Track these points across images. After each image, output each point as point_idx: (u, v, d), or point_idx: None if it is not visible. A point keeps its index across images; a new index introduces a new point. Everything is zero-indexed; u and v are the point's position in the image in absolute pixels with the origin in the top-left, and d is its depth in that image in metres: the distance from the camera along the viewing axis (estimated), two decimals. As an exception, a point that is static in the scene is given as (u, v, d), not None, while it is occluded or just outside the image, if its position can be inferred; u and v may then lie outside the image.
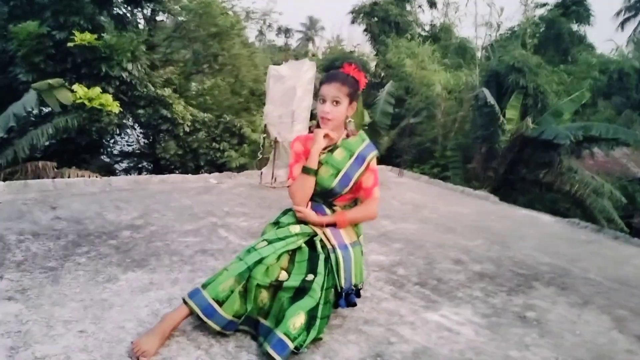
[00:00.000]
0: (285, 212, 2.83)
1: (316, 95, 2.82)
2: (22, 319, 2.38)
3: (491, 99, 11.90)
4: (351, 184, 2.68)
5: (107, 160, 13.95)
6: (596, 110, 17.47)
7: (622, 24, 32.21)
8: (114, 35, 10.29)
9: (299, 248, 2.58)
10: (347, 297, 2.65)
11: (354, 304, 2.70)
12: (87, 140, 10.80)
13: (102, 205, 4.47)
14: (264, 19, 17.74)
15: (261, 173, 6.18)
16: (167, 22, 16.13)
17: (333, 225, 2.67)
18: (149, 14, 14.56)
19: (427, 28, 21.31)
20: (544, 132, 11.44)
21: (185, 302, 2.34)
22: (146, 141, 14.36)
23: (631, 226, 12.60)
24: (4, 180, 5.18)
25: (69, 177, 8.08)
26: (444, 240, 4.65)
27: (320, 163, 2.70)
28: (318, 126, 2.74)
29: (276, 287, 2.41)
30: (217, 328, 2.33)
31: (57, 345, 2.19)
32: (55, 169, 8.85)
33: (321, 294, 2.40)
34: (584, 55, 17.35)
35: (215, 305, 2.30)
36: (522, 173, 12.64)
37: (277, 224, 2.75)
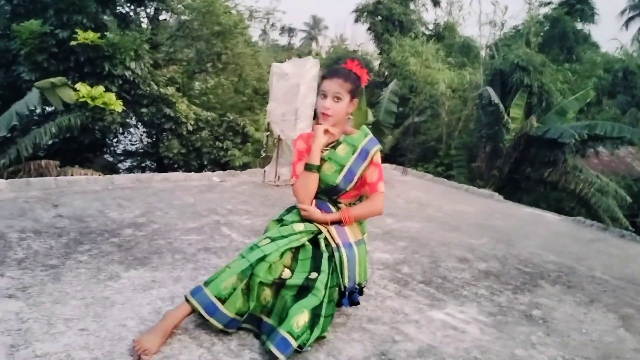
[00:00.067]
0: (289, 210, 2.79)
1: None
2: (22, 316, 2.36)
3: (495, 98, 11.87)
4: (355, 179, 2.65)
5: (111, 159, 13.96)
6: (601, 109, 17.40)
7: (627, 23, 32.06)
8: (117, 34, 10.29)
9: (303, 246, 2.54)
10: (350, 295, 2.62)
11: (357, 303, 2.68)
12: (90, 139, 10.80)
13: (104, 203, 4.45)
14: (267, 18, 17.70)
15: (264, 171, 6.15)
16: (171, 21, 16.12)
17: (338, 222, 2.64)
18: (152, 12, 14.55)
19: (430, 27, 21.26)
20: (549, 131, 11.41)
21: (187, 300, 2.31)
22: (149, 140, 14.35)
23: (636, 225, 12.54)
24: (7, 179, 5.16)
25: (71, 175, 8.07)
26: (449, 239, 4.61)
27: (323, 160, 2.67)
28: (318, 122, 2.71)
29: (279, 285, 2.37)
30: (220, 326, 2.30)
31: (58, 344, 2.17)
32: (58, 168, 8.85)
33: (325, 292, 2.36)
34: (589, 54, 17.28)
35: (218, 303, 2.27)
36: (526, 172, 12.59)
37: (280, 221, 2.72)
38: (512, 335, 2.77)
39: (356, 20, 21.47)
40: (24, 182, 4.66)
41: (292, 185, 2.76)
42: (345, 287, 2.54)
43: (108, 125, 10.03)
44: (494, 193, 7.16)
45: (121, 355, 2.12)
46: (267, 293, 2.36)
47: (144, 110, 11.57)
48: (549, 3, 18.73)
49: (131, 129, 14.03)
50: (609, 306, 3.41)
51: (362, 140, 2.70)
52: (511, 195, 9.14)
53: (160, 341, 2.19)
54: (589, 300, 3.46)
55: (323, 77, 2.70)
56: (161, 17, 15.30)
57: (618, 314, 3.30)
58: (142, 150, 14.79)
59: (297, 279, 2.38)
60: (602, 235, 5.47)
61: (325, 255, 2.50)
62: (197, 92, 14.71)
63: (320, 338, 2.36)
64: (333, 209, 2.69)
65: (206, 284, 2.32)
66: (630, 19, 31.93)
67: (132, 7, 13.20)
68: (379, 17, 20.18)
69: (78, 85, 8.92)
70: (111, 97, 9.24)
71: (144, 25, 14.12)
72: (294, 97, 5.60)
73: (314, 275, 2.41)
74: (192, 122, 12.25)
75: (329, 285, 2.42)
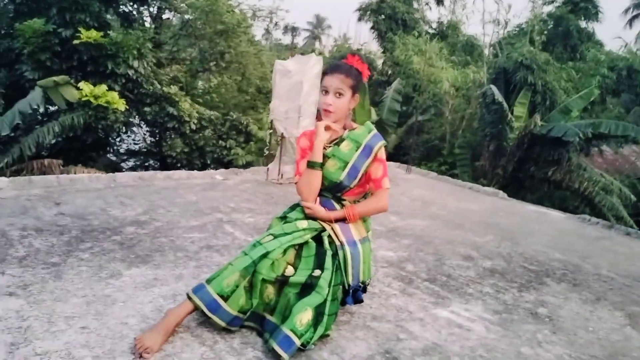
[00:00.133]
0: (293, 207, 2.76)
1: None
2: (23, 314, 2.34)
3: (499, 96, 11.83)
4: (359, 175, 2.61)
5: (114, 158, 13.95)
6: (605, 107, 17.34)
7: (631, 21, 31.96)
8: (120, 33, 10.27)
9: (306, 243, 2.52)
10: (354, 294, 2.59)
11: (361, 301, 2.65)
12: (93, 138, 10.79)
13: (106, 201, 4.43)
14: (270, 17, 17.68)
15: (267, 169, 6.13)
16: (174, 20, 16.10)
17: (343, 219, 2.61)
18: (155, 11, 14.54)
19: (434, 25, 21.21)
20: (553, 130, 11.37)
21: (189, 298, 2.29)
22: (153, 139, 14.34)
23: (640, 224, 12.48)
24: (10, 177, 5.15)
25: (74, 174, 8.07)
26: (453, 237, 4.58)
27: (327, 157, 2.64)
28: (320, 118, 2.68)
29: (282, 283, 2.34)
30: (222, 324, 2.27)
31: (59, 342, 2.14)
32: (61, 167, 8.85)
33: (329, 290, 2.33)
34: (593, 52, 17.21)
35: (220, 301, 2.25)
36: (530, 171, 12.55)
37: (284, 218, 2.69)
38: (518, 333, 2.73)
39: (359, 19, 21.44)
40: (26, 180, 4.64)
41: (295, 183, 2.73)
42: (349, 285, 2.51)
43: (111, 124, 10.02)
44: (498, 191, 7.11)
45: (122, 354, 2.10)
46: (270, 291, 2.33)
47: (147, 109, 11.55)
48: (552, 1, 18.69)
49: (134, 128, 14.01)
50: (615, 304, 3.38)
51: (366, 136, 2.67)
52: (515, 194, 9.10)
53: (162, 339, 2.17)
54: (595, 298, 3.43)
55: (324, 73, 2.66)
56: (164, 16, 15.29)
57: (624, 312, 3.26)
58: (145, 150, 14.78)
59: (300, 277, 2.35)
60: (607, 233, 5.42)
61: (329, 252, 2.47)
62: (201, 91, 14.71)
63: (324, 336, 2.34)
64: (337, 206, 2.66)
65: (208, 281, 2.30)
66: (635, 17, 31.83)
67: (135, 6, 13.18)
68: (382, 16, 20.13)
69: (81, 84, 8.92)
70: (114, 95, 9.24)
71: (147, 24, 14.12)
72: (297, 94, 5.58)
73: (317, 272, 2.38)
74: (196, 121, 12.23)
75: (332, 283, 2.39)
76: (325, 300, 2.30)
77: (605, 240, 5.16)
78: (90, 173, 7.94)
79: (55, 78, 8.56)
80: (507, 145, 12.39)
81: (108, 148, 13.48)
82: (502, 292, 3.32)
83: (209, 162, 12.57)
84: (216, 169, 6.41)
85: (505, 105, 11.92)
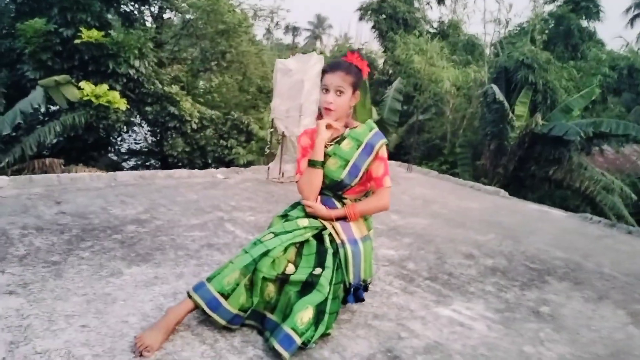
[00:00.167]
0: (294, 206, 2.75)
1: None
2: (23, 313, 2.33)
3: (500, 95, 11.81)
4: (360, 174, 2.60)
5: (115, 158, 13.95)
6: (606, 107, 17.32)
7: (632, 21, 31.91)
8: (121, 32, 10.27)
9: (307, 241, 2.51)
10: (355, 292, 2.58)
11: (362, 300, 2.64)
12: (94, 137, 10.79)
13: (107, 200, 4.42)
14: (271, 17, 17.68)
15: (268, 168, 6.12)
16: (175, 20, 16.10)
17: (344, 218, 2.60)
18: (156, 11, 14.54)
19: (435, 25, 21.19)
20: (554, 129, 11.35)
21: (189, 296, 2.28)
22: (154, 139, 14.34)
23: (642, 223, 12.46)
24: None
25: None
26: (455, 235, 4.57)
27: (327, 155, 2.63)
28: (321, 117, 2.67)
29: (283, 281, 2.33)
30: (222, 322, 2.26)
31: (59, 340, 2.14)
32: (63, 167, 8.85)
33: (330, 288, 2.32)
34: (594, 52, 17.18)
35: (220, 299, 2.24)
36: (531, 170, 12.53)
37: (285, 216, 2.68)
38: (520, 331, 2.72)
39: (360, 19, 21.41)
40: (27, 179, 4.64)
41: (296, 181, 2.73)
42: (350, 283, 2.50)
43: (112, 124, 10.01)
44: (499, 189, 7.10)
45: (122, 352, 2.09)
46: (271, 289, 2.32)
47: (148, 108, 11.55)
48: (553, 0, 18.65)
49: (136, 128, 14.02)
50: (618, 303, 3.36)
51: (367, 134, 2.66)
52: (516, 193, 9.08)
53: (162, 338, 2.16)
54: (597, 296, 3.41)
55: (324, 72, 2.65)
56: (165, 16, 15.28)
57: (627, 310, 3.24)
58: (146, 149, 14.78)
59: (301, 275, 2.34)
60: (609, 232, 5.40)
61: (330, 251, 2.46)
62: (202, 90, 14.70)
63: (325, 335, 2.33)
64: (338, 204, 2.65)
65: (209, 279, 2.29)
66: (636, 16, 31.78)
67: (137, 5, 13.18)
68: (383, 16, 20.11)
69: (82, 84, 8.91)
70: (115, 95, 9.23)
71: (148, 24, 14.11)
72: (298, 93, 5.57)
73: (318, 271, 2.37)
74: (197, 121, 12.23)
75: (333, 282, 2.38)
76: (326, 298, 2.29)
77: (607, 238, 5.15)
78: (91, 172, 7.95)
79: (56, 77, 8.56)
80: (508, 145, 12.37)
81: (109, 148, 13.48)
82: (504, 291, 3.31)
83: (210, 161, 12.57)
84: (217, 169, 6.39)
85: (506, 104, 11.91)
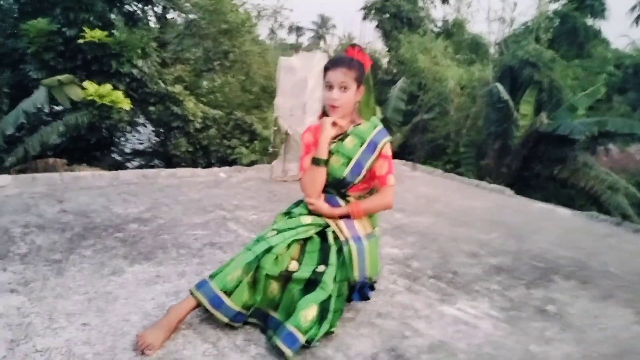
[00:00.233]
0: (297, 203, 2.74)
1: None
2: (24, 311, 2.32)
3: (505, 94, 11.75)
4: (363, 172, 2.58)
5: (119, 158, 13.94)
6: (611, 106, 17.23)
7: (637, 19, 31.71)
8: (124, 32, 10.25)
9: (310, 238, 2.49)
10: (360, 290, 2.56)
11: (368, 298, 2.61)
12: (97, 137, 10.78)
13: (109, 198, 4.41)
14: (274, 17, 17.66)
15: (271, 167, 6.09)
16: (178, 20, 16.10)
17: (347, 216, 2.57)
18: (159, 11, 14.53)
19: (439, 24, 21.15)
20: (559, 128, 11.29)
21: (192, 293, 2.26)
22: (157, 139, 14.33)
23: (647, 222, 12.38)
24: (13, 175, 5.13)
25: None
26: (459, 234, 4.53)
27: (330, 152, 2.60)
28: (324, 114, 2.64)
29: (286, 279, 2.31)
30: (225, 320, 2.24)
31: (59, 338, 2.12)
32: (66, 167, 8.84)
33: (333, 286, 2.30)
34: (599, 50, 17.11)
35: (223, 296, 2.21)
36: (536, 169, 12.47)
37: (288, 214, 2.67)
38: (526, 330, 2.68)
39: (364, 18, 21.40)
40: (29, 178, 4.63)
41: (299, 179, 2.70)
42: (355, 281, 2.48)
43: (115, 124, 9.99)
44: (505, 188, 7.04)
45: (123, 351, 2.07)
46: (274, 287, 2.30)
47: (151, 108, 11.54)
48: (558, -1, 18.59)
49: (139, 128, 14.02)
50: (625, 302, 3.31)
51: (371, 131, 2.63)
52: (521, 192, 8.99)
53: (164, 336, 2.14)
54: (604, 295, 3.37)
55: (326, 69, 2.62)
56: (169, 16, 15.28)
57: (634, 309, 3.20)
58: (150, 149, 14.77)
59: (304, 272, 2.32)
60: (615, 230, 5.35)
61: (334, 248, 2.44)
62: (205, 90, 14.68)
63: (329, 333, 2.30)
64: (342, 202, 2.62)
65: (212, 277, 2.27)
66: (641, 15, 31.58)
67: (140, 5, 13.16)
68: (387, 15, 20.09)
69: (85, 83, 8.89)
70: (119, 95, 9.20)
71: (151, 24, 14.10)
72: (301, 91, 5.54)
73: (321, 268, 2.35)
74: (200, 121, 12.21)
75: (337, 279, 2.36)
76: (330, 296, 2.27)
77: (613, 237, 5.09)
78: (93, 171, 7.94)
79: (59, 77, 8.54)
80: (513, 144, 12.32)
81: (113, 148, 13.47)
82: (510, 290, 3.27)
83: (213, 161, 12.55)
84: (220, 167, 6.38)
85: (510, 103, 11.85)
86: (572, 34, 17.38)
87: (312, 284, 2.29)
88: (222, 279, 2.24)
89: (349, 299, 2.54)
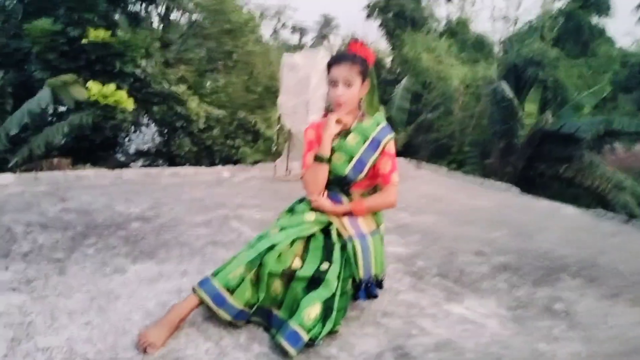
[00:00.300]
0: (301, 200, 2.71)
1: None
2: (25, 310, 2.30)
3: (509, 93, 11.69)
4: (366, 170, 2.55)
5: (123, 158, 13.94)
6: (616, 104, 17.13)
7: (643, 18, 31.58)
8: (127, 32, 10.24)
9: (314, 236, 2.45)
10: (366, 288, 2.52)
11: (375, 296, 2.57)
12: (102, 138, 10.76)
13: (112, 197, 4.39)
14: (278, 17, 17.64)
15: (275, 165, 6.06)
16: (182, 20, 16.10)
17: (350, 214, 2.54)
18: (163, 12, 14.53)
19: (443, 23, 21.07)
20: (564, 126, 11.23)
21: (194, 291, 2.23)
22: (161, 139, 14.33)
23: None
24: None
25: (82, 172, 8.04)
26: (464, 232, 4.49)
27: (333, 149, 2.57)
28: (328, 113, 2.61)
29: (289, 277, 2.28)
30: (228, 318, 2.21)
31: (61, 337, 2.10)
32: (70, 167, 8.83)
33: (337, 284, 2.27)
34: (604, 48, 17.01)
35: (226, 294, 2.18)
36: (541, 168, 12.40)
37: (291, 211, 2.64)
38: (533, 329, 2.64)
39: (367, 17, 21.34)
40: (32, 177, 4.62)
41: (301, 176, 2.68)
42: (360, 279, 2.44)
43: (119, 124, 9.98)
44: (510, 186, 7.00)
45: (125, 349, 2.04)
46: (277, 285, 2.27)
47: (155, 108, 11.52)
48: (563, -3, 18.49)
49: (143, 128, 14.01)
50: (633, 300, 3.26)
51: (374, 128, 2.60)
52: (526, 192, 8.97)
53: (166, 334, 2.11)
54: (612, 294, 3.32)
55: (329, 66, 2.58)
56: (172, 16, 15.28)
57: (643, 308, 3.15)
58: (154, 150, 14.76)
59: (308, 270, 2.29)
60: (623, 228, 5.29)
61: (338, 245, 2.41)
62: (208, 90, 14.66)
63: (333, 332, 2.26)
64: (345, 199, 2.59)
65: (214, 274, 2.24)
66: (646, 13, 31.44)
67: (143, 5, 13.17)
68: (391, 14, 20.04)
69: (89, 84, 8.89)
70: (122, 95, 9.19)
71: (155, 24, 14.10)
72: (304, 88, 5.51)
73: (325, 266, 2.32)
74: (203, 121, 12.18)
75: (341, 277, 2.32)
76: (334, 294, 2.23)
77: (620, 235, 5.04)
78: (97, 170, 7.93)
79: (63, 77, 8.54)
80: (518, 143, 12.25)
81: (117, 148, 13.48)
82: (516, 288, 3.23)
83: (217, 161, 12.53)
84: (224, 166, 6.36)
85: (515, 102, 11.79)
86: (576, 32, 17.29)
87: (315, 282, 2.26)
88: (224, 277, 2.21)
89: (355, 297, 2.50)
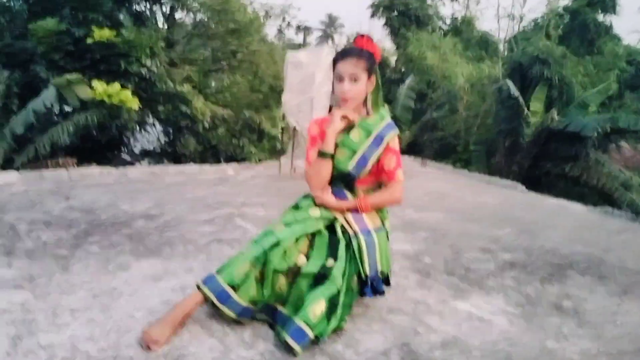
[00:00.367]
0: (306, 196, 2.68)
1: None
2: (28, 307, 2.28)
3: (515, 91, 11.61)
4: (369, 166, 2.51)
5: (128, 158, 13.94)
6: (622, 102, 17.02)
7: (649, 16, 31.42)
8: (132, 32, 10.23)
9: (319, 232, 2.42)
10: (372, 284, 2.49)
11: (381, 292, 2.53)
12: (107, 137, 10.76)
13: (116, 195, 4.38)
14: (283, 16, 17.59)
15: (280, 163, 6.04)
16: (186, 20, 16.09)
17: (355, 210, 2.51)
18: (167, 11, 14.52)
19: (448, 21, 20.98)
20: (570, 125, 11.13)
21: (198, 288, 2.20)
22: (167, 139, 14.33)
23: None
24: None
25: (87, 172, 8.04)
26: (470, 229, 4.45)
27: (336, 145, 2.54)
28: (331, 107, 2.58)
29: (294, 274, 2.25)
30: (232, 315, 2.18)
31: (63, 334, 2.08)
32: (76, 166, 8.82)
33: (342, 280, 2.24)
34: (610, 46, 16.89)
35: (230, 291, 2.15)
36: (547, 167, 12.31)
37: (296, 207, 2.61)
38: (542, 326, 2.60)
39: (372, 16, 21.26)
40: (36, 176, 4.62)
41: (305, 172, 2.65)
42: (366, 275, 2.41)
43: (125, 123, 9.97)
44: (516, 184, 6.95)
45: (128, 347, 2.02)
46: (282, 282, 2.24)
47: (160, 108, 11.50)
48: (568, -5, 18.38)
49: (148, 128, 14.01)
50: (642, 298, 3.23)
51: (378, 124, 2.56)
52: (532, 190, 8.93)
53: (169, 332, 2.08)
54: (621, 291, 3.28)
55: (335, 61, 2.55)
56: (177, 16, 15.26)
57: (653, 305, 3.11)
58: (159, 150, 14.76)
59: (313, 267, 2.26)
60: (631, 226, 5.25)
61: (343, 242, 2.38)
62: (214, 90, 14.65)
63: (338, 329, 2.23)
64: (350, 195, 2.56)
65: (218, 271, 2.21)
66: (653, 11, 31.27)
67: (148, 5, 13.16)
68: (395, 12, 19.96)
69: (94, 83, 8.88)
70: (127, 94, 9.17)
71: (159, 24, 14.09)
72: (309, 86, 5.49)
73: (330, 262, 2.29)
74: (208, 120, 12.16)
75: (346, 274, 2.29)
76: (339, 291, 2.21)
77: (627, 233, 5.00)
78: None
79: (68, 76, 8.54)
80: (523, 141, 12.17)
81: (122, 148, 13.48)
82: (524, 285, 3.19)
83: (222, 160, 12.51)
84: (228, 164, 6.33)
85: (521, 100, 11.71)
86: (582, 30, 17.18)
87: (320, 278, 2.23)
88: (229, 274, 2.18)
89: (361, 294, 2.47)
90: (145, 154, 14.64)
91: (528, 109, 12.09)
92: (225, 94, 14.13)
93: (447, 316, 2.61)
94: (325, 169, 2.52)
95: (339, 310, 2.19)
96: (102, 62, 10.06)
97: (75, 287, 2.50)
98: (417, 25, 18.56)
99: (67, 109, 9.84)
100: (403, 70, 18.34)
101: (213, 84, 14.80)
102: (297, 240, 2.30)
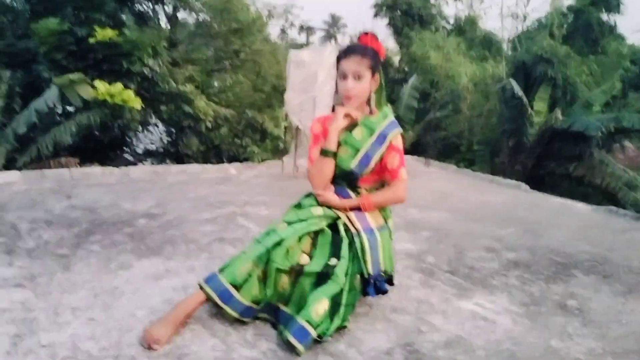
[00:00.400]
0: (308, 195, 2.66)
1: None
2: (29, 306, 2.27)
3: (519, 91, 11.58)
4: (372, 164, 2.49)
5: (131, 158, 13.95)
6: (626, 102, 16.96)
7: (653, 15, 31.32)
8: (134, 31, 10.23)
9: (322, 231, 2.40)
10: (375, 283, 2.47)
11: (384, 292, 2.51)
12: (109, 137, 10.77)
13: (118, 194, 4.36)
14: (285, 16, 17.57)
15: (282, 162, 6.02)
16: (189, 20, 16.09)
17: (358, 208, 2.49)
18: (170, 11, 14.53)
19: (451, 21, 20.93)
20: (574, 124, 11.10)
21: (200, 287, 2.18)
22: (169, 139, 14.33)
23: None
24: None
25: (90, 172, 8.03)
26: (474, 229, 4.43)
27: (339, 143, 2.52)
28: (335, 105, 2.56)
29: (297, 273, 2.23)
30: (234, 314, 2.16)
31: (64, 333, 2.06)
32: (78, 166, 8.83)
33: (345, 279, 2.22)
34: (615, 45, 16.83)
35: (232, 290, 2.14)
36: (551, 167, 12.28)
37: (298, 206, 2.59)
38: (547, 325, 2.58)
39: (375, 15, 21.23)
40: (38, 175, 4.61)
41: (307, 170, 2.63)
42: (369, 274, 2.39)
43: (127, 123, 9.97)
44: (520, 183, 6.93)
45: (129, 346, 2.00)
46: (285, 281, 2.22)
47: (163, 107, 11.50)
48: (572, -7, 18.33)
49: (151, 128, 14.02)
50: (648, 297, 3.20)
51: (381, 123, 2.54)
52: (535, 190, 8.91)
53: (171, 331, 2.07)
54: (626, 290, 3.25)
55: (339, 58, 2.53)
56: (179, 16, 15.26)
57: (658, 305, 3.08)
58: (162, 150, 14.76)
59: (316, 266, 2.24)
60: (635, 225, 5.21)
61: (346, 241, 2.36)
62: (216, 89, 14.64)
63: (341, 328, 2.22)
64: (352, 194, 2.54)
65: (221, 270, 2.20)
66: (657, 10, 31.19)
67: (151, 5, 13.17)
68: (398, 12, 19.93)
69: (96, 83, 8.88)
70: (129, 94, 9.17)
71: (162, 24, 14.09)
72: (311, 85, 5.46)
73: (333, 261, 2.27)
74: (211, 120, 12.16)
75: (349, 273, 2.27)
76: (342, 290, 2.19)
77: (633, 231, 4.97)
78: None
79: (70, 76, 8.54)
80: (527, 141, 12.13)
81: (125, 147, 13.48)
82: (528, 284, 3.17)
83: (225, 160, 12.50)
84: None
85: (524, 99, 11.68)
86: (586, 29, 17.11)
87: (323, 277, 2.21)
88: (231, 273, 2.16)
89: (364, 293, 2.45)
90: (148, 153, 14.64)
91: (532, 108, 12.06)
92: (228, 94, 14.12)
93: (450, 315, 2.59)
94: (328, 167, 2.50)
95: (342, 310, 2.17)
96: (104, 61, 10.06)
97: (76, 286, 2.49)
98: (421, 25, 18.53)
99: (70, 108, 9.84)
100: (406, 70, 18.31)
101: (216, 83, 14.78)
102: (299, 239, 2.29)
